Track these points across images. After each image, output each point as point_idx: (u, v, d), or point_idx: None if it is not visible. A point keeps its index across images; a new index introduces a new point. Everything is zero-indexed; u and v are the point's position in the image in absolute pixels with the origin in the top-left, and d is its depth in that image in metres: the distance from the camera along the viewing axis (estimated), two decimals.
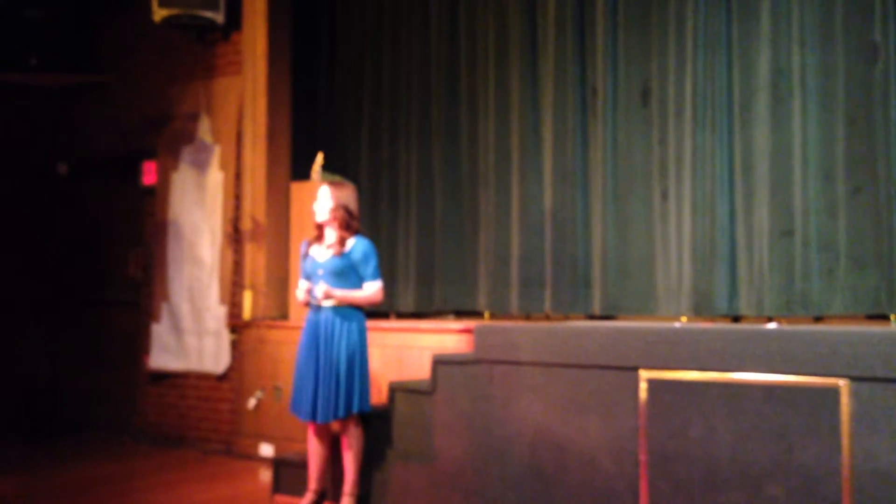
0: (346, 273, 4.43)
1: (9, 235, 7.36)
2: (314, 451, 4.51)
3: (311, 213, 4.62)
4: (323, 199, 4.49)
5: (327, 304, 4.40)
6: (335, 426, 4.52)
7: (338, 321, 4.40)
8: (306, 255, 4.56)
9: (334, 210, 4.45)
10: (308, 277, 4.53)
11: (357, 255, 4.45)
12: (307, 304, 4.50)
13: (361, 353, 4.46)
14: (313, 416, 4.38)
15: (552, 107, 5.64)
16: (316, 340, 4.41)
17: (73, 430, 7.29)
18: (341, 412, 4.35)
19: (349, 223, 4.48)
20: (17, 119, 7.50)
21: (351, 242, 4.47)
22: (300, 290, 4.48)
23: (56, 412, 7.48)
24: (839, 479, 3.18)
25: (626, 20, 5.40)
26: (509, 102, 5.86)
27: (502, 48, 5.92)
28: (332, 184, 4.59)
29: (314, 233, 4.58)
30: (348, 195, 4.54)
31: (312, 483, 4.52)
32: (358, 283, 4.47)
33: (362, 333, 4.49)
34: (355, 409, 4.39)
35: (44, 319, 7.59)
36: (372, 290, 4.47)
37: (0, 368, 7.13)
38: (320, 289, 4.37)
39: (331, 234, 4.50)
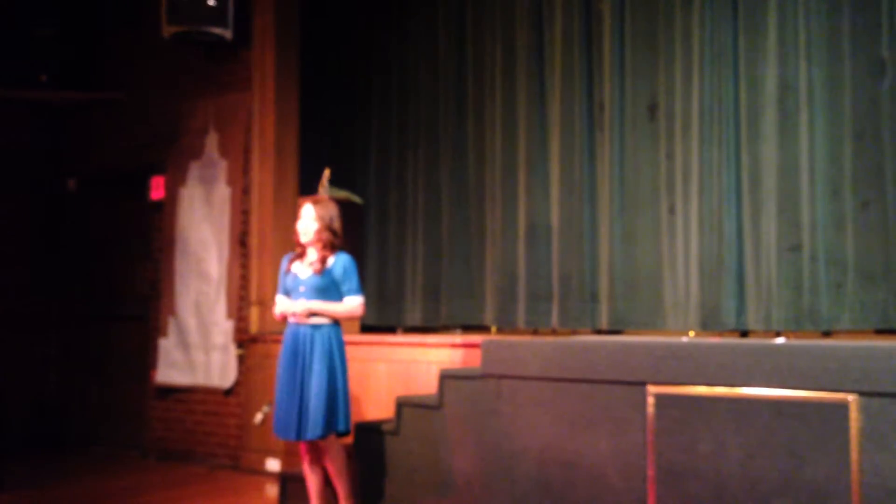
0: (328, 290, 4.40)
1: (17, 250, 7.39)
2: (310, 470, 4.50)
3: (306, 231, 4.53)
4: (307, 219, 4.45)
5: (309, 320, 4.36)
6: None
7: (317, 337, 4.36)
8: (288, 270, 4.52)
9: (319, 232, 4.43)
10: (288, 293, 4.49)
11: (338, 272, 4.42)
12: (284, 319, 4.48)
13: (342, 370, 4.41)
14: (297, 435, 4.30)
15: (559, 122, 5.65)
16: (294, 358, 4.35)
17: (81, 444, 7.29)
18: (320, 431, 4.27)
19: (333, 244, 4.46)
20: (26, 135, 7.55)
21: (331, 259, 4.44)
22: (279, 304, 4.43)
23: (63, 427, 7.49)
24: (849, 494, 3.16)
25: (633, 35, 5.42)
26: (516, 117, 5.87)
27: (509, 63, 5.94)
28: (315, 203, 4.53)
29: (297, 249, 4.53)
30: (332, 213, 4.49)
31: (314, 502, 4.52)
32: (339, 299, 4.44)
33: (341, 349, 4.44)
34: (339, 428, 4.35)
35: (51, 334, 7.61)
36: (353, 304, 4.45)
37: (8, 383, 7.12)
38: (300, 304, 4.35)
39: (312, 253, 4.48)
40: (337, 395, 4.35)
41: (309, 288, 4.39)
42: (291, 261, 4.54)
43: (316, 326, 4.38)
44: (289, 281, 4.48)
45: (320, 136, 6.83)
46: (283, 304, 4.42)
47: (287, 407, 4.33)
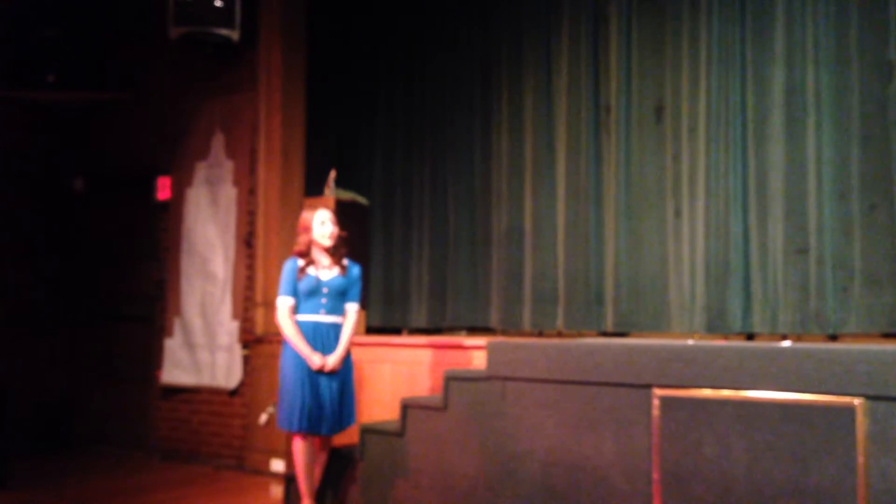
0: (345, 292, 4.59)
1: (23, 251, 7.41)
2: (311, 465, 4.54)
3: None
4: (330, 224, 4.55)
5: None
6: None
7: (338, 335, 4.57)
8: (303, 273, 4.52)
9: (340, 233, 4.58)
10: (296, 295, 4.52)
11: (353, 276, 4.62)
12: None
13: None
14: (340, 428, 4.52)
15: (565, 123, 5.65)
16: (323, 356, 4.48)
17: (86, 444, 7.30)
18: (341, 426, 4.54)
19: (345, 244, 4.63)
20: (33, 135, 7.57)
21: (345, 261, 4.62)
22: (315, 360, 4.42)
23: (69, 427, 7.50)
24: (855, 498, 3.15)
25: (640, 37, 5.42)
26: (523, 119, 5.87)
27: (516, 65, 5.94)
28: (328, 207, 4.71)
29: (306, 258, 4.54)
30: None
31: (307, 500, 4.54)
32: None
33: None
34: (353, 420, 4.61)
35: (57, 334, 7.62)
36: (354, 314, 4.63)
37: (14, 382, 7.14)
38: (330, 361, 4.43)
39: (322, 257, 4.55)
40: (352, 389, 4.65)
41: (332, 289, 4.53)
42: (305, 266, 4.55)
43: (337, 326, 4.55)
44: (307, 284, 4.50)
45: (326, 137, 6.84)
46: (320, 362, 4.41)
47: (326, 403, 4.44)
